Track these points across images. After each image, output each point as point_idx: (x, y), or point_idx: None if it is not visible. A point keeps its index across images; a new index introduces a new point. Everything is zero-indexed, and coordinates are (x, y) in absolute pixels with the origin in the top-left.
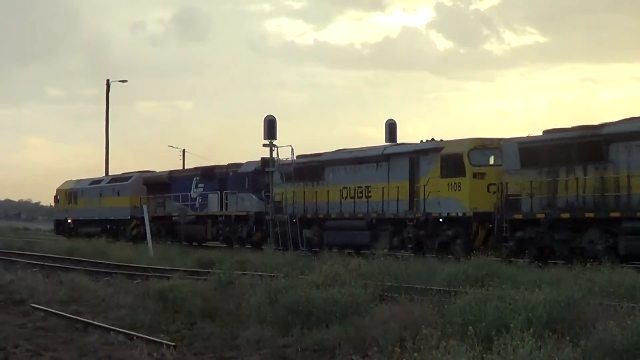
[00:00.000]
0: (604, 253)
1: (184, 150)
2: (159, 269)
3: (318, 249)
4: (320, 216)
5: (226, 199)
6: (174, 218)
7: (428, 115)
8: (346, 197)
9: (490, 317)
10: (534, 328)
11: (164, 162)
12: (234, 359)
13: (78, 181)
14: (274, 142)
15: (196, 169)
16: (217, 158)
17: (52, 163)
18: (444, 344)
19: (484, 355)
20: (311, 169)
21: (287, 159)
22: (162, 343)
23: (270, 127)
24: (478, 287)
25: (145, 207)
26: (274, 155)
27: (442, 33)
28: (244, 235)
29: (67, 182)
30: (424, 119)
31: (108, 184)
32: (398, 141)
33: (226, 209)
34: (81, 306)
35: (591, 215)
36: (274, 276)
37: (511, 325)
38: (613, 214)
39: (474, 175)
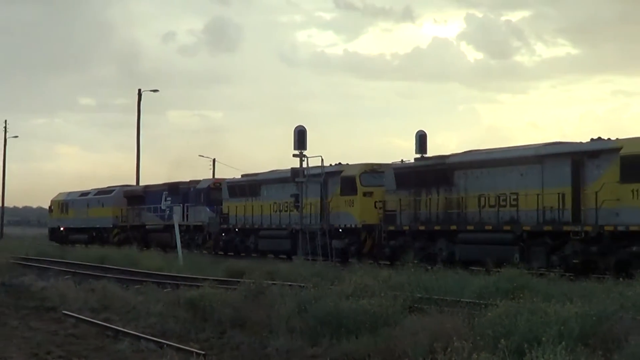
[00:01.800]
0: (447, 259)
1: (214, 160)
2: (188, 277)
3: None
4: (256, 227)
5: (187, 211)
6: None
7: (458, 126)
8: (275, 211)
9: (521, 330)
10: (566, 342)
11: (194, 172)
12: None
13: (69, 193)
14: (304, 153)
15: (165, 184)
16: (246, 167)
17: (84, 172)
18: (475, 356)
19: None
20: (250, 186)
21: (234, 177)
22: (192, 351)
23: (300, 137)
24: (509, 300)
25: (175, 217)
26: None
27: (473, 44)
28: (199, 242)
29: (60, 194)
30: (454, 131)
31: (94, 196)
32: (429, 153)
33: (187, 220)
34: (112, 314)
35: (438, 227)
36: (303, 286)
37: (543, 338)
38: (452, 227)
39: (364, 194)
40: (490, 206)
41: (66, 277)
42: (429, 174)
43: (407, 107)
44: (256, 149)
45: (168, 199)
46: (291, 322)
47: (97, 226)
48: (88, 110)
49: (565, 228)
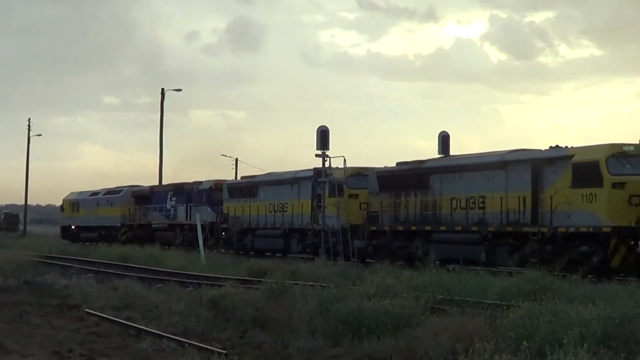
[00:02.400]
0: (422, 257)
1: (236, 160)
2: (210, 277)
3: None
4: (253, 226)
5: (190, 210)
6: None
7: (481, 127)
8: (271, 211)
9: (543, 332)
10: (588, 344)
11: (216, 171)
12: None
13: (80, 193)
14: (327, 153)
15: (170, 185)
16: (268, 167)
17: (107, 170)
18: (497, 358)
19: None
20: (249, 188)
21: (234, 179)
22: (213, 351)
23: (323, 137)
24: (531, 302)
25: (198, 216)
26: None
27: (496, 45)
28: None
29: (71, 193)
30: (477, 132)
31: (103, 196)
32: (451, 153)
33: (190, 219)
34: (134, 312)
35: (415, 228)
36: (325, 286)
37: (565, 340)
38: (427, 228)
39: (350, 196)
40: (461, 208)
41: (88, 275)
42: (408, 178)
43: (430, 107)
44: (278, 149)
45: (173, 199)
46: (313, 322)
47: (106, 225)
48: (111, 109)
49: (525, 229)
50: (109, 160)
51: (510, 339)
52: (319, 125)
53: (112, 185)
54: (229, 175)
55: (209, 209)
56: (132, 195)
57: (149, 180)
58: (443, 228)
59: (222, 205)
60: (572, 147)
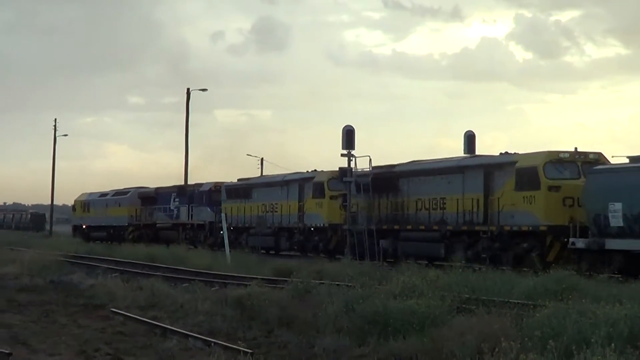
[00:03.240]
0: (392, 254)
1: (262, 159)
2: (236, 276)
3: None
4: (247, 225)
5: (192, 211)
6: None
7: (506, 127)
8: (263, 212)
9: (570, 332)
10: (615, 343)
11: (242, 171)
12: None
13: (90, 194)
14: (352, 152)
15: (174, 186)
16: (293, 167)
17: (132, 170)
18: (524, 357)
19: None
20: (244, 189)
21: (231, 181)
22: (239, 350)
23: (348, 137)
24: (557, 301)
25: (223, 216)
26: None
27: (522, 44)
28: (201, 239)
29: (82, 194)
30: (503, 131)
31: (112, 197)
32: (477, 152)
33: (192, 219)
34: (160, 312)
35: (386, 227)
36: (351, 286)
37: (592, 340)
38: (396, 227)
39: (331, 197)
40: (425, 209)
41: (114, 274)
42: (381, 181)
43: (455, 107)
44: (304, 148)
45: (176, 200)
46: (338, 321)
47: (115, 224)
48: (137, 109)
49: (477, 228)
50: (134, 160)
51: (536, 338)
52: (344, 125)
53: (138, 185)
54: (255, 174)
55: (208, 209)
56: (139, 196)
57: (174, 180)
58: (409, 227)
59: (220, 205)
60: (516, 153)
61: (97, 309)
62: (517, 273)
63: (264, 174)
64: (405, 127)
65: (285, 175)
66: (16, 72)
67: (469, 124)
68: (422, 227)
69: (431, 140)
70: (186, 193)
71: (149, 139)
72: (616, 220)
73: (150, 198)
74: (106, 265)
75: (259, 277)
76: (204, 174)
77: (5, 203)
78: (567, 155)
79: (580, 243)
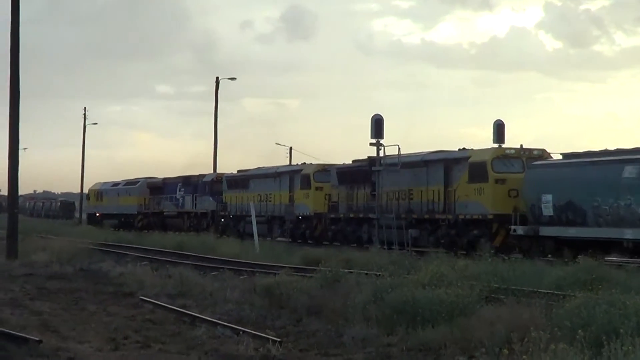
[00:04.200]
0: (367, 240)
1: (290, 148)
2: (265, 265)
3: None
4: (244, 214)
5: (196, 200)
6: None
7: (536, 116)
8: (259, 201)
9: (599, 322)
10: None
11: (270, 160)
12: (338, 356)
13: (104, 183)
14: (381, 141)
15: (180, 177)
16: (322, 156)
17: (161, 159)
18: (553, 347)
19: None
20: (242, 180)
21: (232, 173)
22: (268, 338)
23: (377, 126)
24: (587, 291)
25: (252, 205)
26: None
27: (551, 33)
28: (204, 227)
29: (96, 184)
30: (532, 120)
31: (123, 187)
32: (506, 143)
33: (195, 207)
34: (189, 300)
35: (362, 215)
36: (379, 275)
37: (621, 330)
38: (371, 216)
39: (316, 188)
40: (395, 199)
41: (144, 263)
42: (359, 174)
43: (484, 96)
44: (332, 137)
45: (182, 189)
46: (367, 310)
47: (125, 212)
48: (165, 97)
49: (437, 216)
50: (163, 148)
51: (566, 328)
52: (373, 114)
53: (166, 174)
54: (283, 163)
55: (211, 199)
56: (147, 186)
57: (201, 168)
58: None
59: (221, 195)
60: (472, 149)
61: (126, 296)
62: (546, 263)
63: (293, 162)
64: (434, 115)
65: (278, 167)
66: (45, 60)
67: (497, 113)
68: (392, 216)
69: (460, 129)
70: (190, 183)
71: (177, 127)
72: (547, 209)
73: (158, 188)
74: (135, 254)
75: (287, 265)
76: (231, 162)
77: (35, 191)
78: (512, 151)
79: (520, 230)
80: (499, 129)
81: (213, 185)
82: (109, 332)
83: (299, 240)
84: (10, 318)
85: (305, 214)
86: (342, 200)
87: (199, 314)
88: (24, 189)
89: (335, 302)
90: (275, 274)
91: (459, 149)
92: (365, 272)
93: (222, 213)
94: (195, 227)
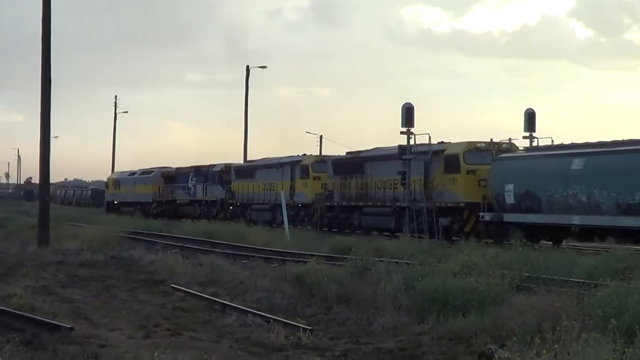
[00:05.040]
0: (358, 227)
1: (321, 137)
2: (295, 253)
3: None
4: (250, 202)
5: (206, 189)
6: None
7: (567, 104)
8: (263, 190)
9: (632, 311)
10: None
11: (300, 148)
12: (369, 344)
13: (121, 172)
14: (412, 130)
15: (192, 167)
16: (352, 144)
17: (191, 147)
18: (585, 336)
19: (626, 349)
20: (249, 170)
21: (239, 163)
22: (298, 327)
23: (408, 114)
24: (619, 280)
25: (282, 194)
26: (412, 142)
27: (582, 21)
28: (214, 214)
29: (114, 172)
30: (563, 109)
31: (139, 176)
32: (536, 132)
33: (206, 196)
34: (219, 288)
35: (353, 203)
36: (410, 263)
37: None
38: (360, 203)
39: (314, 178)
40: (382, 188)
41: (174, 251)
42: (351, 165)
43: (515, 84)
44: (363, 126)
45: (193, 179)
46: (397, 299)
47: (141, 200)
48: (195, 85)
49: (418, 204)
50: (192, 136)
51: (598, 317)
52: (403, 102)
53: (196, 161)
54: (314, 152)
55: (220, 187)
56: (162, 175)
57: (232, 157)
58: (370, 204)
59: (230, 184)
60: (449, 142)
61: (157, 284)
62: (577, 253)
63: (326, 151)
64: (465, 104)
65: (280, 158)
66: (76, 48)
67: (528, 102)
68: (379, 204)
69: (491, 117)
70: (201, 173)
71: (207, 115)
72: (510, 198)
73: (171, 177)
74: (165, 242)
75: (317, 254)
76: (262, 150)
77: (66, 179)
78: (483, 144)
79: (487, 216)
80: (530, 118)
81: (222, 174)
82: (140, 320)
83: (299, 227)
84: (43, 305)
85: (304, 202)
86: (336, 190)
87: (230, 302)
88: (55, 177)
89: (365, 291)
90: (305, 262)
91: (439, 142)
92: (396, 260)
93: (231, 201)
94: (205, 214)
